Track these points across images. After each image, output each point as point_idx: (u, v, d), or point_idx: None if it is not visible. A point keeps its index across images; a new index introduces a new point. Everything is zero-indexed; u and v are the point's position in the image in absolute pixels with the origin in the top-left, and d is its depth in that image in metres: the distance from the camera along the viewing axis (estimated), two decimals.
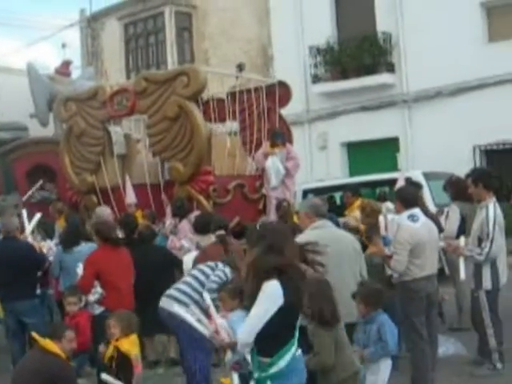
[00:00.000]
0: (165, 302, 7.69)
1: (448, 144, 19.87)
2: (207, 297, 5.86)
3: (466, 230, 9.13)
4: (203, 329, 5.47)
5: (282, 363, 4.74)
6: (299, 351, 4.91)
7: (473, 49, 20.29)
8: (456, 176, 11.01)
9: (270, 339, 4.71)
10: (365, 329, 6.59)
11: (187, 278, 7.92)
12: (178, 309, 7.09)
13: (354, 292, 6.59)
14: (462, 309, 10.45)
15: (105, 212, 11.57)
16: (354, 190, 13.42)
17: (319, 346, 5.99)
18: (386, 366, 6.56)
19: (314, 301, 5.96)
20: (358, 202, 12.23)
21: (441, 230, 9.60)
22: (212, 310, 5.45)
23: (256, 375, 4.85)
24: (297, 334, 4.86)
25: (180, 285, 7.84)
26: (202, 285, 7.63)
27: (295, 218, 10.92)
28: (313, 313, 5.99)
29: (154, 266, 9.49)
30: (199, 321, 5.57)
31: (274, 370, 4.75)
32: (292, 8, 23.77)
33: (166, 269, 9.58)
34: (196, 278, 7.77)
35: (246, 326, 4.77)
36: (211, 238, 8.98)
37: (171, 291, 7.78)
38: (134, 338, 7.16)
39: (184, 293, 7.64)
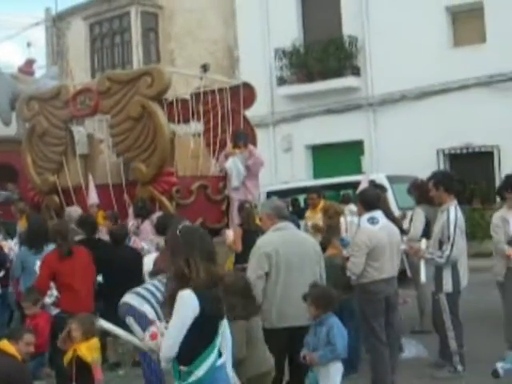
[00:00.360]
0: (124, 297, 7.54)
1: (412, 147, 20.03)
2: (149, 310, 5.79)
3: (430, 234, 9.16)
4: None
5: (200, 372, 4.59)
6: (221, 360, 4.76)
7: (438, 53, 20.45)
8: (421, 179, 11.06)
9: (186, 348, 4.59)
10: (315, 331, 6.50)
11: (149, 286, 7.75)
12: (130, 299, 7.08)
13: (304, 294, 6.51)
14: (424, 311, 10.50)
15: (75, 213, 11.46)
16: (319, 191, 13.45)
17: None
18: (335, 369, 6.46)
19: (226, 295, 6.01)
20: (321, 204, 12.26)
21: (403, 232, 9.62)
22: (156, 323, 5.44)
23: None
24: (217, 342, 4.71)
25: (140, 289, 7.71)
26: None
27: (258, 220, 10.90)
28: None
29: (126, 265, 9.38)
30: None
31: (192, 379, 4.61)
32: (258, 10, 23.77)
33: (137, 269, 9.48)
34: (158, 289, 7.60)
35: (167, 339, 4.66)
36: None
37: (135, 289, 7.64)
38: (94, 341, 7.05)
39: (146, 290, 7.51)
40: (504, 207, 8.91)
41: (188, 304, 4.57)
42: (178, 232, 4.85)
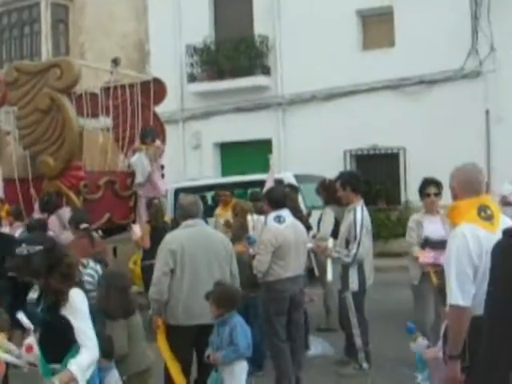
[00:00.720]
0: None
1: (320, 147, 20.27)
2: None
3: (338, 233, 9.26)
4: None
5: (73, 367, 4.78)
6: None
7: (348, 55, 20.75)
8: (328, 180, 11.14)
9: (54, 345, 4.78)
10: (218, 331, 6.44)
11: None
12: None
13: (207, 292, 6.46)
14: (330, 310, 10.63)
15: None
16: (231, 189, 13.53)
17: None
18: (240, 368, 6.43)
19: (102, 293, 6.08)
20: (232, 202, 12.31)
21: (309, 230, 9.72)
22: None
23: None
24: None
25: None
26: None
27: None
28: (100, 305, 6.20)
29: None
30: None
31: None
32: (170, 4, 23.64)
33: None
34: None
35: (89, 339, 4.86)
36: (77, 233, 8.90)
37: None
38: None
39: None
40: (421, 211, 8.98)
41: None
42: None
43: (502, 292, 3.20)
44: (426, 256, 8.23)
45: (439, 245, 7.78)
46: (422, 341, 5.58)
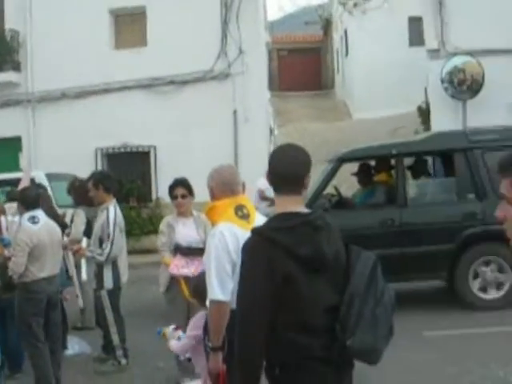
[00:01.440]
0: None
1: (72, 146, 20.08)
2: None
3: (91, 233, 9.30)
4: None
5: None
6: None
7: (100, 54, 20.73)
8: (79, 180, 11.12)
9: None
10: None
11: None
12: None
13: None
14: (85, 308, 10.64)
15: None
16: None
17: None
18: None
19: None
20: None
21: (64, 230, 9.71)
22: None
23: None
24: None
25: None
26: None
27: None
28: None
29: None
30: None
31: None
32: None
33: None
34: None
35: None
36: None
37: None
38: None
39: None
40: (174, 213, 8.73)
41: None
42: None
43: (248, 287, 3.50)
44: (176, 265, 7.93)
45: (190, 251, 7.89)
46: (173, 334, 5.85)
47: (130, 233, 17.50)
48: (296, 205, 3.62)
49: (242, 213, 5.00)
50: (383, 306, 3.52)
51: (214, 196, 5.24)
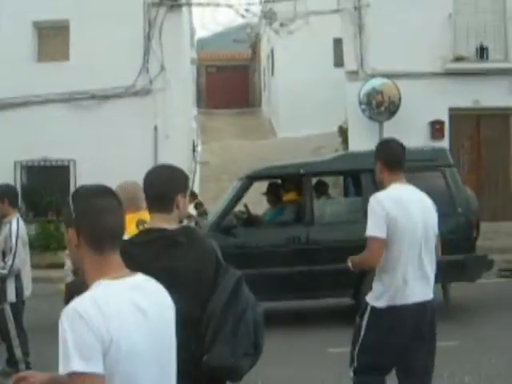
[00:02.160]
0: None
1: None
2: None
3: None
4: None
5: None
6: None
7: (22, 67, 20.54)
8: None
9: None
10: None
11: None
12: None
13: None
14: None
15: None
16: None
17: None
18: None
19: None
20: None
21: None
22: None
23: None
24: None
25: None
26: None
27: None
28: None
29: None
30: None
31: None
32: None
33: None
34: None
35: None
36: None
37: None
38: None
39: None
40: None
41: None
42: None
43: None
44: None
45: None
46: None
47: (47, 247, 17.49)
48: (163, 222, 3.74)
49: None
50: (244, 324, 3.54)
51: None
